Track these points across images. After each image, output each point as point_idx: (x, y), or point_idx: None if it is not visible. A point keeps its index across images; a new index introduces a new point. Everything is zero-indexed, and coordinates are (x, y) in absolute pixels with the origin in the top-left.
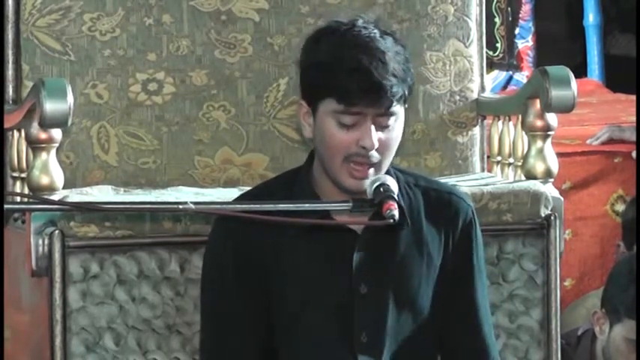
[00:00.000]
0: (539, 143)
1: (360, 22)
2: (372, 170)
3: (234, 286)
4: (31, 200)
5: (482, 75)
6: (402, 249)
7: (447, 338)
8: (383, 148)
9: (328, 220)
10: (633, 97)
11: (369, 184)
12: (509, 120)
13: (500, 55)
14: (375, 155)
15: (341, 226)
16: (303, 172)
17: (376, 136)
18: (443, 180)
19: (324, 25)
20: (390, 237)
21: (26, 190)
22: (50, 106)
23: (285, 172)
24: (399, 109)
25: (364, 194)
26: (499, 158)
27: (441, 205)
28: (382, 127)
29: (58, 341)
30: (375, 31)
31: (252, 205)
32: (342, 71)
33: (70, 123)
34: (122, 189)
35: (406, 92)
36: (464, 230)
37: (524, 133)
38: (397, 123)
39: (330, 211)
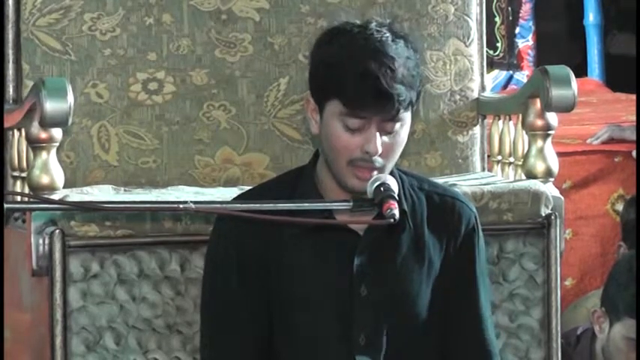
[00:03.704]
0: (539, 142)
1: (372, 25)
2: (375, 172)
3: (235, 285)
4: (31, 200)
5: (482, 74)
6: (403, 252)
7: (450, 342)
8: (387, 153)
9: (330, 219)
10: (633, 97)
11: (369, 184)
12: (510, 119)
13: (501, 55)
14: (378, 160)
15: (343, 226)
16: (308, 171)
17: (380, 141)
18: (443, 180)
19: (338, 25)
20: (391, 239)
21: (26, 190)
22: (50, 106)
23: (288, 171)
24: (405, 114)
25: (366, 194)
26: (499, 157)
27: (444, 210)
28: (387, 133)
29: (58, 341)
30: (387, 34)
31: (252, 205)
32: (350, 76)
33: (70, 122)
34: (122, 188)
35: (413, 98)
36: (466, 236)
37: (524, 132)
38: (403, 128)
39: (333, 211)
